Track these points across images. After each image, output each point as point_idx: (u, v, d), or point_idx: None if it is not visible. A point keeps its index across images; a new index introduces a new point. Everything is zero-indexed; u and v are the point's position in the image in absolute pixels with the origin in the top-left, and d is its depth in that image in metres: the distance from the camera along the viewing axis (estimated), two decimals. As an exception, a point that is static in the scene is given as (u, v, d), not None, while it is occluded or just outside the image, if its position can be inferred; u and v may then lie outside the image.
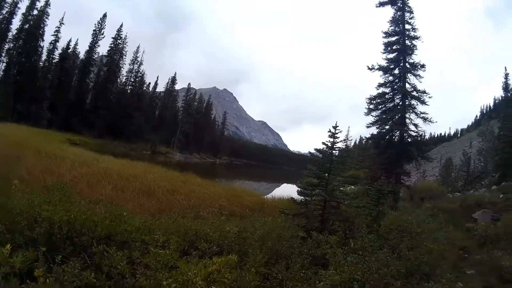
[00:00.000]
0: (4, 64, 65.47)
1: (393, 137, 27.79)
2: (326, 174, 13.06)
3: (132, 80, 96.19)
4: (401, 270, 7.95)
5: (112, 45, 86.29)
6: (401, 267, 8.02)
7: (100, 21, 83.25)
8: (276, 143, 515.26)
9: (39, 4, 67.91)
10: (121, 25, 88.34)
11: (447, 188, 41.81)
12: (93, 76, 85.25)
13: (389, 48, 28.06)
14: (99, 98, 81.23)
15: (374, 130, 28.54)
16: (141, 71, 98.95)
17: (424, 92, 26.61)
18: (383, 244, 9.69)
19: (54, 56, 74.86)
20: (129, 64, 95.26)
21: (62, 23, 74.36)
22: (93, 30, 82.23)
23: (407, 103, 27.02)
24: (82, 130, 68.86)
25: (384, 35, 28.17)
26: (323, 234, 9.39)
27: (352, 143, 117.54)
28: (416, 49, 27.22)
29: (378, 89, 28.37)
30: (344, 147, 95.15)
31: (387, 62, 28.11)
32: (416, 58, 27.38)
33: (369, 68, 28.25)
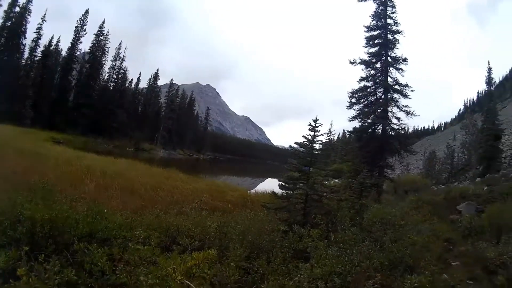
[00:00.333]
0: (-14, 62, 64.59)
1: (376, 130, 27.86)
2: (308, 168, 13.10)
3: (115, 76, 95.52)
4: (384, 262, 8.00)
5: (94, 42, 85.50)
6: (384, 260, 8.07)
7: (82, 18, 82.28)
8: (259, 138, 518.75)
9: (21, 1, 67.22)
10: (103, 22, 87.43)
11: (431, 181, 42.18)
12: (75, 74, 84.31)
13: (371, 42, 28.12)
14: (81, 96, 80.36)
15: (356, 123, 28.65)
16: (123, 67, 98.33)
17: (406, 85, 26.74)
18: (366, 237, 9.75)
19: (36, 54, 73.91)
20: (112, 61, 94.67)
21: (44, 20, 73.52)
22: (75, 27, 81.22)
23: (389, 96, 27.17)
24: (66, 128, 68.26)
25: (366, 29, 28.24)
26: (305, 227, 9.35)
27: (336, 137, 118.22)
28: (398, 43, 27.37)
29: (360, 83, 28.47)
30: (327, 141, 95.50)
31: (369, 56, 28.17)
32: (398, 52, 27.52)
33: (351, 62, 28.24)
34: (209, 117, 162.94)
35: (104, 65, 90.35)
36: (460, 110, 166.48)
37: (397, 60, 26.95)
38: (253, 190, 25.20)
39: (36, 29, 72.71)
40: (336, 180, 40.33)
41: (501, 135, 45.26)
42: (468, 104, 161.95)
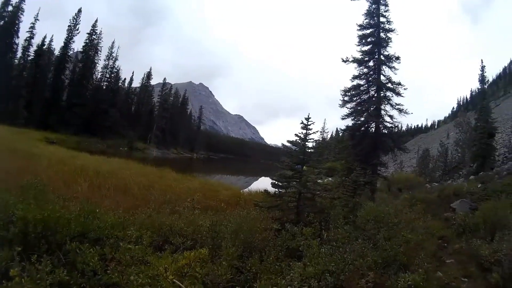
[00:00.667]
0: (-21, 62, 64.34)
1: (369, 128, 27.74)
2: (301, 166, 13.10)
3: (108, 76, 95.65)
4: (378, 260, 8.01)
5: (87, 41, 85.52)
6: (378, 258, 8.08)
7: (75, 17, 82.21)
8: (253, 136, 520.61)
9: (14, 0, 66.97)
10: (96, 21, 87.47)
11: (425, 179, 42.26)
12: (68, 73, 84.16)
13: (363, 41, 27.96)
14: (74, 95, 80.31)
15: (349, 122, 28.49)
16: (116, 66, 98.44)
17: (399, 84, 26.64)
18: (359, 235, 9.76)
19: (29, 53, 73.78)
20: (104, 60, 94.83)
21: (37, 19, 73.33)
22: (68, 26, 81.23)
23: (382, 94, 27.05)
24: (59, 128, 68.12)
25: (359, 28, 28.06)
26: (298, 226, 9.32)
27: (329, 136, 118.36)
28: (391, 41, 27.28)
29: (353, 81, 28.26)
30: (320, 139, 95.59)
31: (361, 55, 27.98)
32: (391, 50, 27.40)
33: (343, 61, 28.07)
34: (202, 116, 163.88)
35: (97, 64, 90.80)
36: (453, 108, 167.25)
37: (390, 58, 26.91)
38: (246, 189, 25.16)
39: (29, 28, 72.70)
40: (330, 179, 40.28)
41: (495, 133, 45.40)
42: (461, 102, 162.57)
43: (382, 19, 27.27)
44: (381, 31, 27.24)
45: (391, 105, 26.70)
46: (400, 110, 26.46)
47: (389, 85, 26.77)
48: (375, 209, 12.69)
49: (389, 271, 7.85)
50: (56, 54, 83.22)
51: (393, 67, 26.85)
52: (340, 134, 72.19)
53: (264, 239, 8.62)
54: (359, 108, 27.65)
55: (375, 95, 27.13)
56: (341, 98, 28.13)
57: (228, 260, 6.60)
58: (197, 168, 69.46)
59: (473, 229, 13.57)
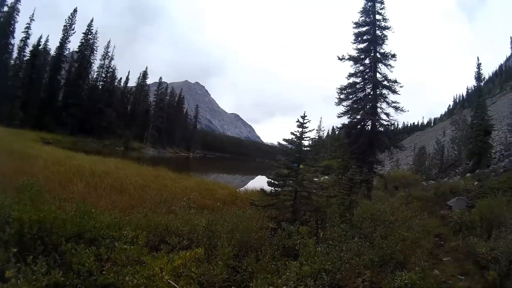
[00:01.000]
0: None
1: (365, 126, 27.71)
2: (296, 164, 13.09)
3: (104, 75, 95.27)
4: (374, 259, 8.03)
5: (83, 41, 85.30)
6: (374, 256, 8.10)
7: (70, 17, 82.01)
8: (249, 135, 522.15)
9: (9, 0, 66.72)
10: (92, 20, 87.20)
11: (421, 176, 42.22)
12: (64, 73, 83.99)
13: (359, 39, 28.01)
14: (70, 95, 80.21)
15: (345, 120, 28.50)
16: (112, 66, 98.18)
17: (395, 81, 26.70)
18: (355, 233, 9.78)
19: (25, 54, 73.51)
20: (100, 60, 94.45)
21: (33, 19, 73.18)
22: (64, 26, 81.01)
23: (378, 92, 27.08)
24: (55, 128, 68.21)
25: (355, 26, 28.10)
26: (294, 225, 9.35)
27: (325, 134, 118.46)
28: (387, 39, 27.33)
29: (348, 79, 28.29)
30: (316, 137, 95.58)
31: (357, 52, 28.01)
32: (387, 48, 27.43)
33: (339, 58, 28.15)
34: (198, 115, 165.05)
35: (93, 64, 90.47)
36: (449, 106, 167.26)
37: (385, 56, 26.91)
38: (242, 188, 25.15)
39: (25, 28, 72.59)
40: (326, 177, 40.30)
41: (491, 130, 45.43)
42: (457, 100, 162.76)
43: (378, 16, 27.30)
44: (377, 28, 27.26)
45: (387, 103, 26.75)
46: (396, 108, 26.50)
47: (385, 82, 26.79)
48: (372, 207, 12.70)
49: (385, 269, 7.88)
50: (51, 54, 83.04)
51: (389, 65, 26.89)
52: (336, 132, 72.02)
53: (260, 238, 8.64)
54: (355, 106, 27.65)
55: (371, 93, 27.17)
56: (337, 96, 28.18)
57: (224, 259, 6.61)
58: (193, 167, 69.33)
59: (469, 226, 13.66)
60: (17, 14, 68.09)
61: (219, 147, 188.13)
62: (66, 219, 6.51)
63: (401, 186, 31.03)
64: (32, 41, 75.36)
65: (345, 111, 27.74)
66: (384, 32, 27.21)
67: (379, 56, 27.01)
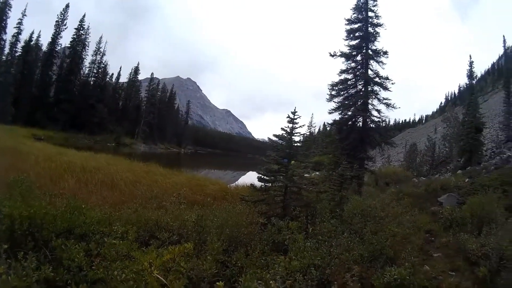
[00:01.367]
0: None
1: (356, 122, 27.83)
2: (287, 160, 13.11)
3: (95, 71, 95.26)
4: (364, 254, 8.05)
5: (75, 36, 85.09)
6: (364, 252, 8.12)
7: (63, 12, 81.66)
8: (240, 131, 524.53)
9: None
10: (84, 16, 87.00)
11: (412, 173, 42.42)
12: (56, 69, 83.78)
13: (351, 35, 28.04)
14: (62, 91, 80.00)
15: (336, 116, 28.61)
16: (104, 62, 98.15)
17: (387, 78, 26.73)
18: (345, 229, 9.79)
19: (17, 50, 73.11)
20: (92, 55, 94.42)
21: (25, 15, 72.76)
22: (56, 21, 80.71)
23: (369, 89, 27.18)
24: (47, 124, 67.89)
25: (347, 22, 28.13)
26: (284, 220, 9.35)
27: (316, 130, 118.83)
28: (379, 36, 27.39)
29: (340, 76, 28.33)
30: (307, 133, 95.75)
31: (349, 49, 28.04)
32: (379, 45, 27.52)
33: (331, 55, 28.14)
34: (189, 110, 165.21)
35: (85, 60, 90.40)
36: (441, 103, 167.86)
37: (377, 53, 26.96)
38: (233, 184, 25.26)
39: (17, 24, 72.02)
40: (317, 173, 40.38)
41: (483, 128, 45.65)
42: (449, 97, 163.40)
43: (370, 13, 27.33)
44: (369, 25, 27.30)
45: (379, 100, 26.82)
46: (388, 105, 26.56)
47: (377, 79, 26.84)
48: (362, 203, 12.76)
49: (375, 265, 7.89)
50: (43, 50, 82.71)
51: (381, 62, 26.94)
52: (328, 128, 72.16)
53: (250, 233, 8.67)
54: (346, 102, 27.70)
55: (363, 89, 27.20)
56: (329, 93, 28.20)
57: (213, 254, 6.60)
58: (184, 163, 69.22)
59: (460, 223, 13.64)
60: (9, 10, 67.60)
61: (211, 143, 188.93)
62: (56, 215, 6.51)
63: (392, 183, 31.23)
64: (24, 36, 75.10)
65: (336, 107, 27.77)
66: (376, 29, 27.26)
67: (371, 53, 27.06)
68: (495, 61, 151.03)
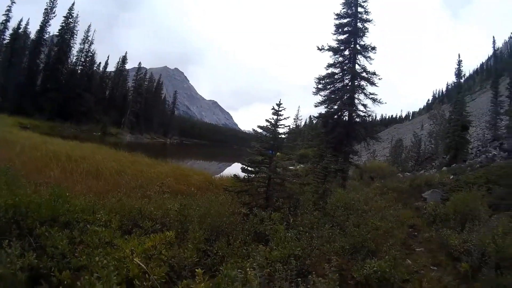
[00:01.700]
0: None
1: (342, 116, 27.98)
2: (271, 151, 13.15)
3: (83, 60, 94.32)
4: (345, 246, 8.14)
5: (64, 25, 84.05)
6: (346, 244, 8.20)
7: (51, 0, 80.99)
8: (227, 122, 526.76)
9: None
10: (73, 4, 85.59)
11: (397, 168, 42.60)
12: (43, 57, 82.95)
13: (340, 30, 28.13)
14: (49, 80, 79.45)
15: (322, 109, 28.83)
16: (91, 50, 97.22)
17: (374, 73, 26.93)
18: (328, 221, 9.88)
19: (4, 37, 72.93)
20: (80, 44, 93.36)
21: (14, 2, 72.70)
22: (45, 9, 79.92)
23: (356, 83, 27.33)
24: (33, 113, 67.29)
25: (336, 17, 28.21)
26: (266, 211, 9.48)
27: (303, 123, 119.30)
28: (367, 31, 27.50)
29: (327, 69, 28.47)
30: (294, 126, 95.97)
31: (337, 43, 28.15)
32: (367, 40, 27.67)
33: (319, 49, 28.23)
34: (176, 101, 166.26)
35: (73, 48, 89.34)
36: (428, 100, 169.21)
37: (365, 48, 27.08)
38: (218, 174, 25.26)
39: (5, 11, 71.65)
40: (302, 165, 40.54)
41: (469, 126, 45.92)
42: (437, 95, 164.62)
43: (360, 9, 27.37)
44: (358, 21, 27.34)
45: (365, 94, 26.97)
46: (374, 100, 26.73)
47: (364, 74, 26.98)
48: (346, 196, 12.88)
49: (356, 257, 7.99)
50: (31, 37, 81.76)
51: (369, 57, 27.07)
52: (314, 121, 72.20)
53: (232, 223, 8.72)
54: (332, 96, 27.81)
55: (349, 83, 27.30)
56: (315, 86, 28.26)
57: (194, 243, 6.70)
58: (170, 153, 69.21)
59: (443, 219, 13.73)
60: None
61: (197, 134, 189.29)
62: (41, 203, 6.54)
63: (377, 177, 31.27)
64: (12, 24, 74.82)
65: (322, 101, 27.86)
66: (365, 24, 27.32)
67: (359, 48, 27.13)
68: (484, 61, 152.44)
